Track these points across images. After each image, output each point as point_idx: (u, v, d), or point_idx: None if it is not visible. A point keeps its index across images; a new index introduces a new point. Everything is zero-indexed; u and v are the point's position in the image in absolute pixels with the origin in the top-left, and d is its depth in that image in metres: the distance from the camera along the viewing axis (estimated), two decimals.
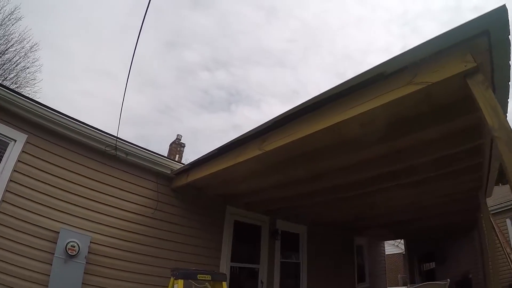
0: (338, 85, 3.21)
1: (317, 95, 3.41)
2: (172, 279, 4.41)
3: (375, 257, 15.67)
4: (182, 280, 4.15)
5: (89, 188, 5.42)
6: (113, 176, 5.71)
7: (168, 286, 4.50)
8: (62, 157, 5.25)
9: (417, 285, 7.29)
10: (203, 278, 4.37)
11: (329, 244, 11.53)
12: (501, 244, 10.35)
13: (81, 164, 5.41)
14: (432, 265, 15.81)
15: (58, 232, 4.93)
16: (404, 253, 29.70)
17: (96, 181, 5.52)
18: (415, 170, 5.21)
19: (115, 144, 5.54)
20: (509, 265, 10.36)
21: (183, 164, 6.35)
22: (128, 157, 5.76)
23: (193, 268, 4.73)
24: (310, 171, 5.47)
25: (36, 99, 5.21)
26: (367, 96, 3.07)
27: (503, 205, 11.81)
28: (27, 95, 5.20)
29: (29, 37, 19.38)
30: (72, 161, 5.34)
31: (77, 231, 5.11)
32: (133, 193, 5.90)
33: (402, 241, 29.19)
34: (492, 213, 9.12)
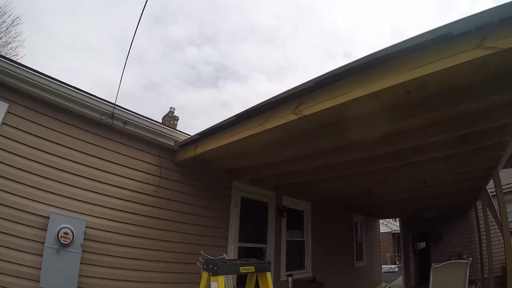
0: (393, 45, 2.71)
1: (368, 55, 2.88)
2: (205, 274, 3.46)
3: (372, 236, 15.33)
4: (222, 277, 3.24)
5: (83, 164, 4.53)
6: (109, 150, 4.82)
7: (200, 283, 3.56)
8: (51, 128, 4.33)
9: (442, 264, 6.66)
10: (247, 271, 3.49)
11: (331, 221, 11.07)
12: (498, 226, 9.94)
13: (72, 137, 4.50)
14: (425, 244, 15.51)
15: (48, 217, 4.05)
16: (393, 232, 29.75)
17: (91, 155, 4.62)
18: (441, 146, 4.83)
19: (112, 112, 4.63)
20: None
21: (188, 135, 5.47)
22: (127, 126, 4.86)
23: (226, 258, 3.83)
24: (341, 142, 4.69)
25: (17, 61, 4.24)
26: (427, 59, 2.63)
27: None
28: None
29: (10, 10, 17.77)
30: (62, 133, 4.41)
31: (70, 215, 4.23)
32: (133, 169, 5.03)
33: (391, 220, 29.22)
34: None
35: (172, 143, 5.37)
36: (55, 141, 4.33)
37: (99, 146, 4.72)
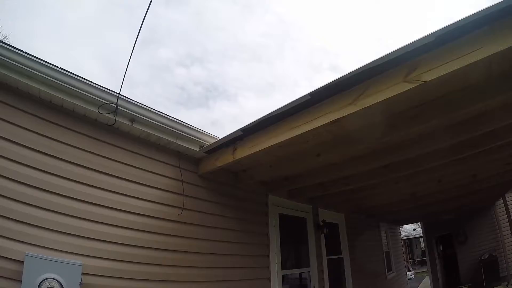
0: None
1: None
2: None
3: (396, 243, 13.66)
4: None
5: (75, 181, 2.89)
6: (112, 160, 3.18)
7: None
8: (28, 129, 2.73)
9: None
10: None
11: (362, 232, 9.48)
12: None
13: (59, 141, 2.87)
14: (452, 246, 13.84)
15: (22, 262, 2.39)
16: (403, 238, 27.82)
17: (86, 168, 2.99)
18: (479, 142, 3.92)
19: (116, 104, 2.99)
20: None
21: (217, 137, 3.81)
22: (135, 125, 3.21)
23: None
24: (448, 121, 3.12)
25: None
26: None
27: None
28: None
29: None
30: (44, 135, 2.80)
31: (57, 257, 2.59)
32: (146, 186, 3.38)
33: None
34: None
35: (197, 148, 3.71)
36: (35, 148, 2.72)
37: (98, 155, 3.08)
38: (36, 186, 2.63)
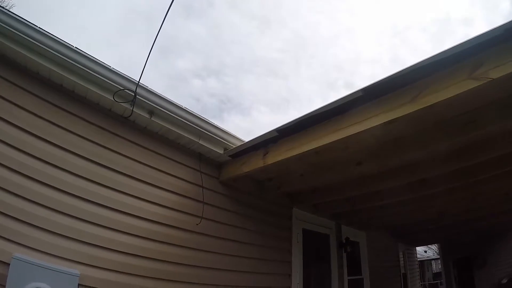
0: None
1: None
2: None
3: (412, 265, 12.78)
4: None
5: (80, 177, 2.40)
6: (125, 156, 2.68)
7: None
8: (33, 113, 2.28)
9: None
10: None
11: (382, 252, 8.68)
12: None
13: (66, 130, 2.40)
14: (470, 269, 12.88)
15: (8, 265, 1.93)
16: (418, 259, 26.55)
17: (93, 162, 2.50)
18: None
19: (134, 92, 2.50)
20: None
21: (241, 140, 3.29)
22: (154, 119, 2.71)
23: None
24: None
25: None
26: None
27: None
28: None
29: None
30: (50, 122, 2.34)
31: (50, 264, 2.08)
32: (161, 188, 2.87)
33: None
34: None
35: (221, 151, 3.19)
36: (34, 133, 2.25)
37: (109, 150, 2.59)
38: (35, 178, 2.16)
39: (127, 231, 2.54)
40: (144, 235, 2.63)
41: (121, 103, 2.50)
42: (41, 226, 2.12)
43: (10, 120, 2.13)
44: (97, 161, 2.48)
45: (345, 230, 6.11)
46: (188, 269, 2.88)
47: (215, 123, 3.07)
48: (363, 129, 2.28)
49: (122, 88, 2.46)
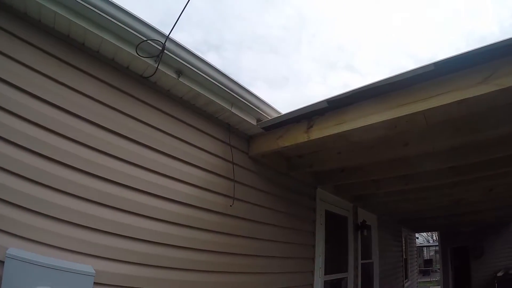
0: None
1: None
2: None
3: (411, 251, 12.62)
4: None
5: (88, 147, 1.86)
6: (144, 123, 2.15)
7: None
8: (32, 68, 1.70)
9: None
10: None
11: (389, 236, 8.43)
12: None
13: (72, 89, 1.84)
14: (467, 259, 12.76)
15: (2, 263, 1.40)
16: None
17: (108, 131, 1.96)
18: None
19: (163, 46, 1.96)
20: None
21: (277, 110, 2.79)
22: (182, 79, 2.18)
23: None
24: None
25: None
26: None
27: None
28: None
29: None
30: (53, 79, 1.77)
31: (55, 261, 1.58)
32: (188, 163, 2.37)
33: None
34: None
35: (253, 121, 2.69)
36: (33, 92, 1.69)
37: (126, 115, 2.06)
38: (31, 148, 1.62)
39: (150, 215, 2.06)
40: (171, 220, 2.16)
41: (145, 58, 1.97)
42: (43, 212, 1.61)
43: (2, 76, 1.59)
44: (111, 128, 1.95)
45: (361, 213, 5.74)
46: (220, 257, 2.44)
47: (248, 88, 2.55)
48: (432, 106, 1.97)
49: (146, 39, 1.92)
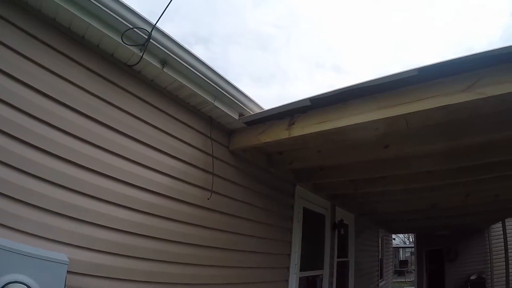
0: None
1: None
2: None
3: (388, 251, 13.05)
4: None
5: (67, 134, 1.88)
6: (126, 112, 2.20)
7: None
8: (12, 49, 1.69)
9: None
10: None
11: (365, 237, 8.69)
12: None
13: (55, 74, 1.85)
14: (441, 262, 13.30)
15: None
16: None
17: (88, 118, 1.99)
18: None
19: (149, 34, 2.00)
20: None
21: (260, 106, 2.87)
22: (166, 70, 2.23)
23: None
24: None
25: None
26: None
27: None
28: None
29: None
30: (35, 62, 1.77)
31: (29, 248, 1.59)
32: (167, 154, 2.43)
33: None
34: None
35: (236, 116, 2.76)
36: (12, 74, 1.69)
37: (108, 103, 2.09)
38: (9, 133, 1.64)
39: (127, 205, 2.11)
40: (147, 210, 2.21)
41: (130, 46, 2.00)
42: (19, 198, 1.64)
43: None
44: (91, 115, 1.98)
45: (338, 212, 5.91)
46: (195, 250, 2.52)
47: (231, 81, 2.61)
48: (413, 111, 2.07)
49: (132, 27, 1.96)
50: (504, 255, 9.73)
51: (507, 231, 9.68)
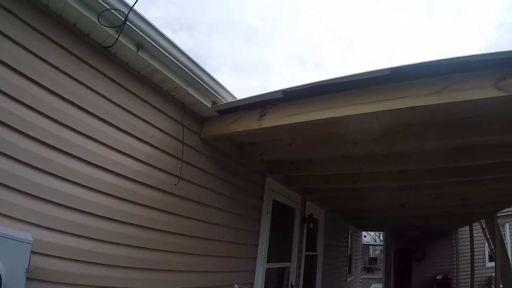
0: None
1: None
2: None
3: (357, 247, 13.54)
4: None
5: (35, 111, 1.90)
6: (97, 93, 2.23)
7: None
8: None
9: None
10: None
11: (335, 232, 9.01)
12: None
13: (28, 50, 1.86)
14: (409, 260, 13.95)
15: None
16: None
17: (58, 96, 2.01)
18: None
19: (125, 16, 2.05)
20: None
21: (233, 95, 2.98)
22: (141, 53, 2.28)
23: None
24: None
25: None
26: None
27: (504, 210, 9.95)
28: None
29: None
30: (8, 37, 1.77)
31: None
32: (136, 138, 2.49)
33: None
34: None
35: (208, 104, 2.85)
36: None
37: (80, 83, 2.12)
38: None
39: (93, 187, 2.15)
40: (114, 193, 2.27)
41: (106, 27, 2.05)
42: None
43: None
44: (63, 95, 2.01)
45: (309, 206, 6.12)
46: (161, 236, 2.60)
47: (206, 69, 2.69)
48: (384, 109, 2.20)
49: (109, 8, 2.01)
50: (470, 257, 10.28)
51: (474, 234, 10.24)
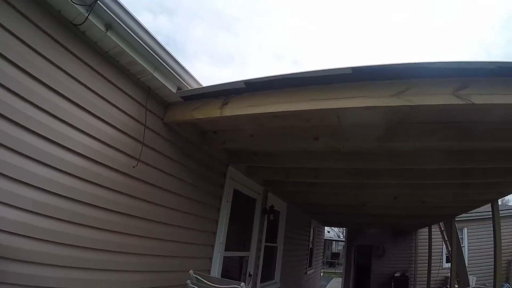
0: None
1: None
2: None
3: (318, 242, 14.03)
4: None
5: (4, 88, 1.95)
6: (63, 71, 2.28)
7: None
8: None
9: None
10: None
11: (297, 225, 9.36)
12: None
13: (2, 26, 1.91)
14: (369, 257, 14.66)
15: None
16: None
17: (22, 71, 2.04)
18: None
19: None
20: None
21: (198, 82, 3.11)
22: (109, 34, 2.36)
23: None
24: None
25: None
26: None
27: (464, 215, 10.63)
28: None
29: None
30: None
31: None
32: (98, 118, 2.55)
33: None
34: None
35: (174, 89, 2.97)
36: None
37: (48, 60, 2.17)
38: None
39: (52, 164, 2.21)
40: (72, 172, 2.34)
41: (77, 5, 2.11)
42: None
43: None
44: (27, 69, 2.07)
45: (270, 198, 6.34)
46: (118, 217, 2.70)
47: (174, 54, 2.80)
48: (342, 107, 2.38)
49: None
50: (427, 257, 10.99)
51: (432, 235, 10.93)
